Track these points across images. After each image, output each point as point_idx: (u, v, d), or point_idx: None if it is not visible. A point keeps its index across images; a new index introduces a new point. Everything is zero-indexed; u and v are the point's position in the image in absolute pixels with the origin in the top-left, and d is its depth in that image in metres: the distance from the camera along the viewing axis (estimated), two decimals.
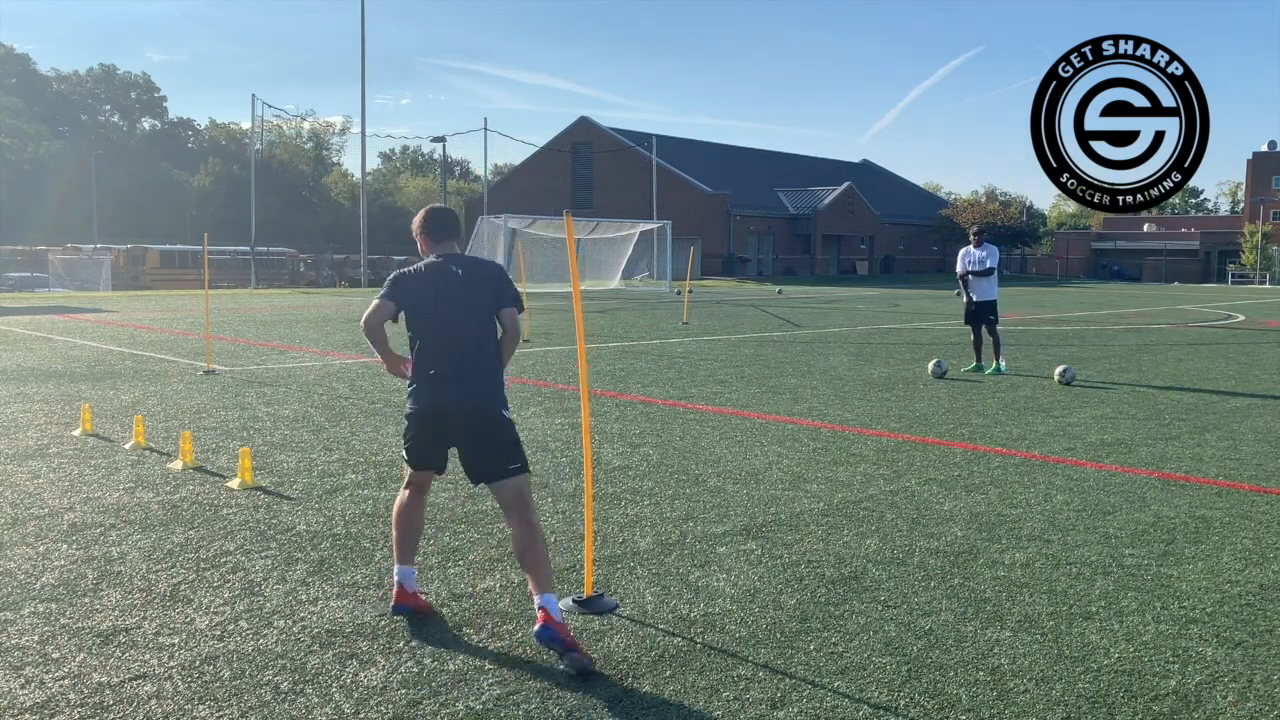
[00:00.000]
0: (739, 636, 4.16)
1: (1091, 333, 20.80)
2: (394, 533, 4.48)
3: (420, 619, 4.31)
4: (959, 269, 13.41)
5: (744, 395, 10.95)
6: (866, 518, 5.95)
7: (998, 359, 13.16)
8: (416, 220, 4.56)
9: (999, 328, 13.26)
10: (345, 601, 4.50)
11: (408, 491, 4.51)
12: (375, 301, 4.36)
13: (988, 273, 13.12)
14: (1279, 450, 8.14)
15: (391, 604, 4.34)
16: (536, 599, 4.03)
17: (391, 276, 4.48)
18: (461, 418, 4.27)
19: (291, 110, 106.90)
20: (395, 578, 4.37)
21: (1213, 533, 5.71)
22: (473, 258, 4.54)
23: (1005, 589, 4.74)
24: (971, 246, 13.29)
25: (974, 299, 13.12)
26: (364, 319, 4.37)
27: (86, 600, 4.49)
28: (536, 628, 3.93)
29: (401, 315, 4.38)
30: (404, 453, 4.48)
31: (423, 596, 4.46)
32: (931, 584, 4.80)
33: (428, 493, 4.64)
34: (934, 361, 12.85)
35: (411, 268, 4.46)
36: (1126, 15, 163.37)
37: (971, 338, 13.39)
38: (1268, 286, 59.75)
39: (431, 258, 4.45)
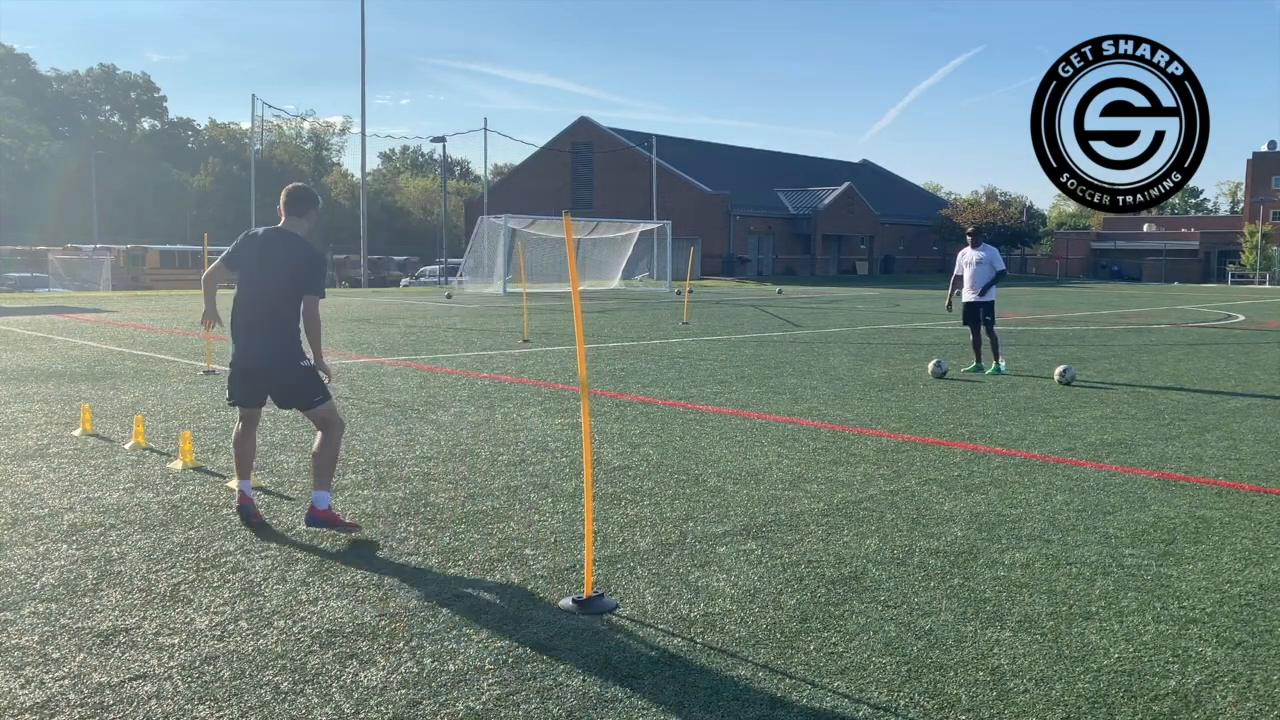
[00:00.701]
0: (739, 636, 4.16)
1: (1091, 333, 20.81)
2: (234, 456, 5.71)
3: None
4: (956, 270, 13.40)
5: (744, 395, 10.95)
6: (866, 518, 5.95)
7: (997, 359, 13.15)
8: (282, 193, 5.65)
9: (996, 328, 13.26)
10: (345, 601, 4.50)
11: (240, 425, 5.71)
12: (216, 261, 5.66)
13: (999, 277, 13.12)
14: (1279, 450, 8.14)
15: (236, 505, 5.65)
16: (313, 495, 5.44)
17: (242, 235, 5.69)
18: (267, 370, 5.47)
19: (291, 110, 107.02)
20: (237, 488, 5.66)
21: (1213, 533, 5.71)
22: (301, 240, 5.56)
23: (1005, 589, 4.74)
24: (969, 248, 13.26)
25: (969, 300, 13.13)
26: (204, 274, 5.69)
27: (86, 600, 4.49)
28: (305, 516, 5.43)
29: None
30: (229, 395, 5.62)
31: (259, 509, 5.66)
32: (931, 584, 4.80)
33: (257, 423, 5.81)
34: (934, 361, 12.85)
35: (260, 230, 5.64)
36: (1126, 15, 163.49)
37: (971, 338, 13.39)
38: (1268, 286, 59.75)
39: (278, 225, 5.60)
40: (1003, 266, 13.25)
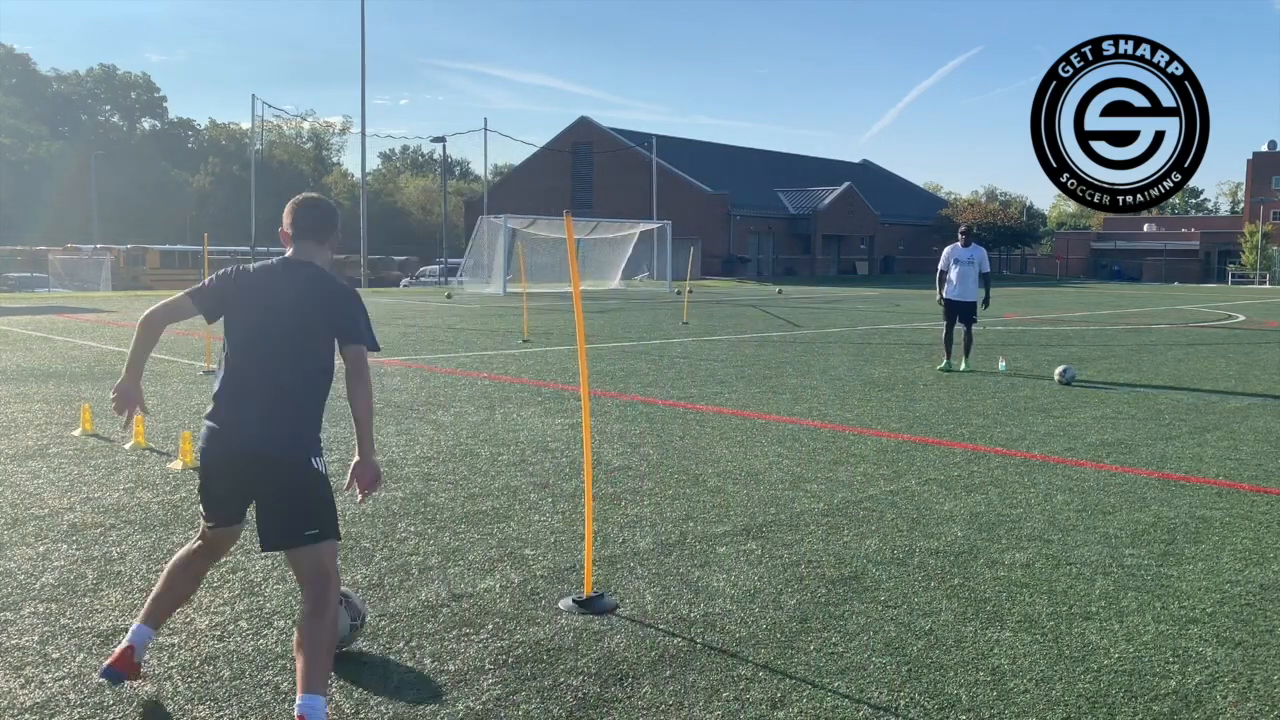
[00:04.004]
0: (739, 636, 4.16)
1: (1091, 333, 20.80)
2: (158, 583, 3.78)
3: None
4: (941, 265, 13.51)
5: (744, 395, 10.94)
6: (866, 518, 5.95)
7: (966, 357, 13.34)
8: (292, 209, 3.74)
9: (975, 328, 13.57)
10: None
11: (189, 548, 3.81)
12: (179, 296, 3.70)
13: (985, 279, 13.43)
14: (1279, 450, 8.14)
15: (104, 665, 3.59)
16: (301, 700, 3.25)
17: (229, 270, 3.73)
18: (261, 461, 3.52)
19: (291, 110, 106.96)
20: (128, 638, 3.63)
21: (1213, 533, 5.71)
22: (326, 274, 3.70)
23: (1005, 589, 4.74)
24: (959, 245, 13.48)
25: (954, 299, 13.33)
26: (150, 311, 3.65)
27: (86, 600, 4.49)
28: None
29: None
30: (203, 503, 3.71)
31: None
32: (931, 584, 4.80)
33: (221, 555, 3.90)
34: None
35: (254, 266, 3.73)
36: (1126, 15, 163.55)
37: (944, 334, 13.55)
38: (1268, 286, 59.74)
39: (285, 256, 3.73)
40: (988, 269, 13.56)
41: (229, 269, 3.73)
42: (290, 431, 3.55)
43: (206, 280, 3.71)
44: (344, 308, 3.62)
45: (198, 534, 3.81)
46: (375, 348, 3.68)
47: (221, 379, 3.62)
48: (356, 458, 3.63)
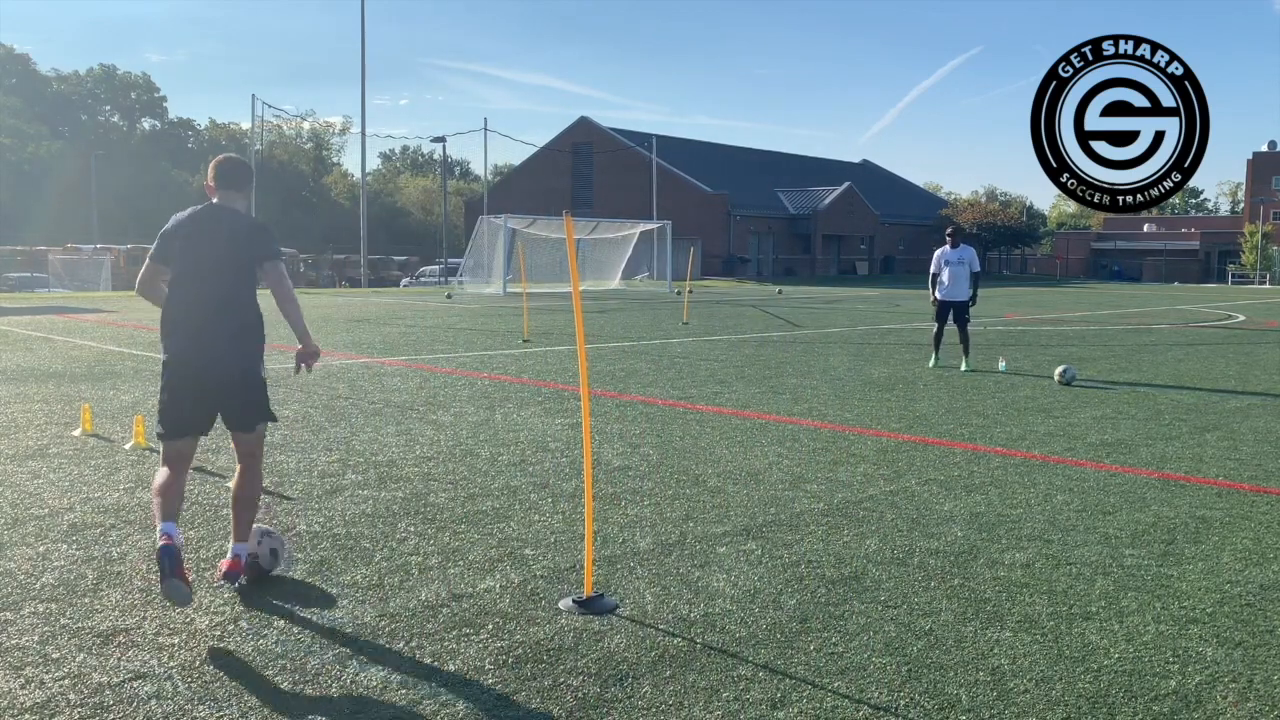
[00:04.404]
0: (739, 636, 4.16)
1: (1091, 333, 20.80)
2: (157, 503, 4.43)
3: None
4: (933, 269, 13.78)
5: (744, 395, 10.94)
6: (866, 518, 5.95)
7: (966, 357, 13.45)
8: (212, 166, 4.74)
9: (970, 328, 13.73)
10: (345, 601, 4.50)
11: (169, 470, 4.53)
12: (146, 261, 4.64)
13: (975, 278, 13.64)
14: (1279, 450, 8.14)
15: (158, 547, 4.16)
16: (233, 546, 4.61)
17: (169, 222, 4.70)
18: (227, 378, 4.54)
19: (291, 110, 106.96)
20: (159, 531, 4.28)
21: (1213, 533, 5.71)
22: (239, 212, 4.65)
23: (1005, 589, 4.74)
24: (947, 247, 13.67)
25: (945, 299, 13.55)
26: (139, 280, 4.71)
27: (86, 600, 4.48)
28: (225, 573, 4.57)
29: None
30: (163, 423, 4.60)
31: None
32: (931, 584, 4.80)
33: (190, 464, 4.75)
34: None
35: (185, 212, 4.73)
36: (1126, 15, 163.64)
37: (934, 331, 13.75)
38: (1268, 286, 59.73)
39: (211, 202, 4.70)
40: (979, 269, 13.75)
41: (166, 227, 4.62)
42: (241, 349, 4.49)
43: (156, 244, 4.60)
44: (260, 236, 4.57)
45: (163, 461, 4.51)
46: (282, 258, 4.59)
47: (170, 310, 4.47)
48: (298, 346, 4.60)
